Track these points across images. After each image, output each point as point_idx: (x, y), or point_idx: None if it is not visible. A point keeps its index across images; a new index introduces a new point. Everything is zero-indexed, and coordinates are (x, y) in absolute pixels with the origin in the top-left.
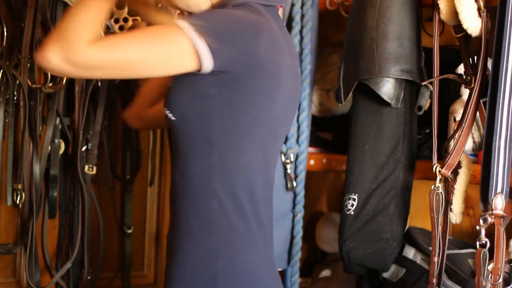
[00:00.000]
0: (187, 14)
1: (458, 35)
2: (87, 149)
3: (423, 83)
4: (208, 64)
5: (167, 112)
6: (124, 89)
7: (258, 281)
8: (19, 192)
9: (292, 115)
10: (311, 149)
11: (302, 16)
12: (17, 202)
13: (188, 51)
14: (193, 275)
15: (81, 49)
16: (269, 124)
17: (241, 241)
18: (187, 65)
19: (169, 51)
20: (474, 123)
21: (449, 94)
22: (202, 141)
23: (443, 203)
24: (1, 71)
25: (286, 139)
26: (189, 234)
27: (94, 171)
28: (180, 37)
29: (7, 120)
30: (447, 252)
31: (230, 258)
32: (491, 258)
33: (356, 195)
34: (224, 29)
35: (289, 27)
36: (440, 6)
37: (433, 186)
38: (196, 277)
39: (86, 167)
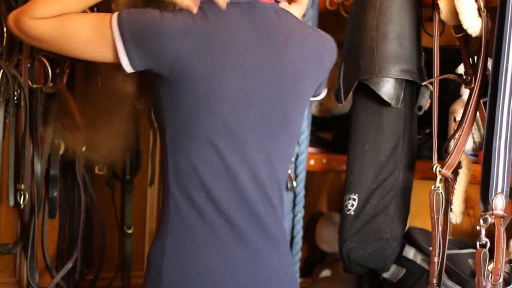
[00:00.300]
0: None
1: (458, 35)
2: (87, 149)
3: (423, 83)
4: (125, 64)
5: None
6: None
7: (211, 285)
8: (22, 193)
9: (278, 117)
10: (311, 149)
11: (302, 16)
12: (20, 202)
13: (110, 45)
14: (148, 274)
15: (27, 22)
16: (219, 127)
17: (197, 243)
18: (109, 58)
19: (94, 39)
20: (474, 123)
21: (449, 94)
22: (162, 142)
23: (443, 203)
24: (2, 71)
25: None
26: (156, 234)
27: (105, 171)
28: (107, 30)
29: (7, 120)
30: (447, 252)
31: (180, 259)
32: (491, 258)
33: (356, 195)
34: (144, 32)
35: None
36: (440, 6)
37: (433, 186)
38: (149, 276)
39: (96, 167)
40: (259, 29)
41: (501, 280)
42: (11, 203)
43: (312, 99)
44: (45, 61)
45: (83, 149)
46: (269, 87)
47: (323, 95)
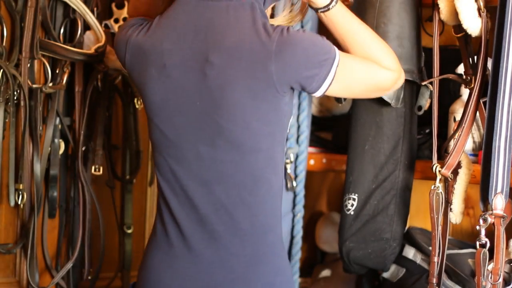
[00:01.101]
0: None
1: (458, 35)
2: (87, 149)
3: (423, 83)
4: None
5: None
6: (124, 89)
7: (153, 281)
8: (20, 192)
9: (211, 125)
10: (311, 149)
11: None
12: (19, 202)
13: None
14: None
15: None
16: (159, 135)
17: (155, 241)
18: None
19: None
20: (474, 123)
21: (449, 94)
22: None
23: (443, 203)
24: (1, 71)
25: (286, 139)
26: None
27: (101, 172)
28: None
29: (7, 120)
30: (447, 252)
31: (144, 254)
32: (491, 258)
33: (356, 195)
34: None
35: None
36: (440, 6)
37: (433, 186)
38: None
39: (93, 168)
40: (190, 31)
41: (501, 280)
42: (11, 203)
43: (314, 95)
44: (45, 61)
45: (83, 149)
46: (197, 94)
47: (320, 91)
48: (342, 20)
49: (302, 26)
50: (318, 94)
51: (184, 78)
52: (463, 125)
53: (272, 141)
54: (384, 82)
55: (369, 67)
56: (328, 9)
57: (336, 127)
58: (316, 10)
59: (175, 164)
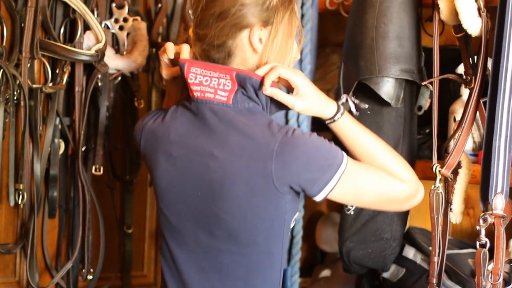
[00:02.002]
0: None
1: (458, 35)
2: (87, 149)
3: (423, 83)
4: None
5: None
6: (124, 89)
7: None
8: (20, 192)
9: (210, 214)
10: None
11: (302, 16)
12: (19, 202)
13: None
14: None
15: None
16: (164, 220)
17: (162, 271)
18: None
19: None
20: (474, 123)
21: (449, 94)
22: None
23: (443, 203)
24: (1, 71)
25: None
26: None
27: (101, 172)
28: None
29: (7, 120)
30: (447, 252)
31: None
32: (491, 258)
33: None
34: None
35: None
36: (440, 6)
37: (433, 186)
38: None
39: (93, 168)
40: (196, 129)
41: (500, 280)
42: (11, 203)
43: (314, 198)
44: (45, 61)
45: (83, 149)
46: (199, 185)
47: (321, 196)
48: (350, 131)
49: (302, 27)
50: (319, 198)
51: (188, 169)
52: (463, 125)
53: (269, 236)
54: (398, 194)
55: (381, 177)
56: (334, 121)
57: None
58: (323, 120)
59: (176, 248)
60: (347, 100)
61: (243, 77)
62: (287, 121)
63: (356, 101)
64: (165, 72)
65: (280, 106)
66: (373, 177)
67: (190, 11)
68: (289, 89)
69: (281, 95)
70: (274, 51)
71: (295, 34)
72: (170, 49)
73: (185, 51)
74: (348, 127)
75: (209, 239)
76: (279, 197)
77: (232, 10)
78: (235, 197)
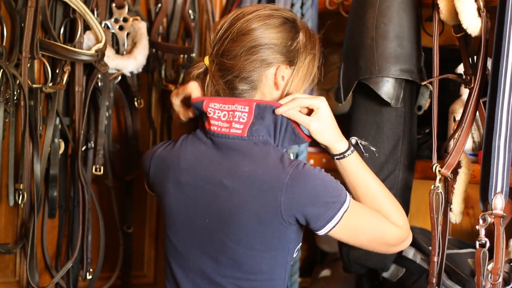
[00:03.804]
0: None
1: (458, 35)
2: (87, 149)
3: (423, 83)
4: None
5: None
6: (124, 89)
7: None
8: (20, 192)
9: (217, 242)
10: (311, 149)
11: (302, 16)
12: (19, 202)
13: None
14: None
15: None
16: (170, 246)
17: None
18: None
19: None
20: (474, 123)
21: (449, 94)
22: None
23: (443, 203)
24: (1, 71)
25: None
26: None
27: (101, 172)
28: None
29: (7, 120)
30: (447, 251)
31: None
32: (491, 257)
33: None
34: None
35: None
36: (440, 6)
37: (433, 186)
38: None
39: (94, 167)
40: (206, 159)
41: (500, 279)
42: (11, 203)
43: (317, 233)
44: (45, 61)
45: (83, 149)
46: (207, 212)
47: (323, 231)
48: (356, 170)
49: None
50: (321, 233)
51: (196, 196)
52: (463, 125)
53: (273, 264)
54: (391, 238)
55: (378, 220)
56: (344, 157)
57: None
58: (332, 156)
59: (181, 274)
60: (356, 142)
61: (264, 107)
62: None
63: (365, 143)
64: (183, 115)
65: (294, 140)
66: (372, 219)
67: (211, 37)
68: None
69: (298, 115)
70: (293, 89)
71: (311, 77)
72: (193, 88)
73: (195, 89)
74: (355, 166)
75: (214, 265)
76: (285, 227)
77: (264, 46)
78: (243, 226)
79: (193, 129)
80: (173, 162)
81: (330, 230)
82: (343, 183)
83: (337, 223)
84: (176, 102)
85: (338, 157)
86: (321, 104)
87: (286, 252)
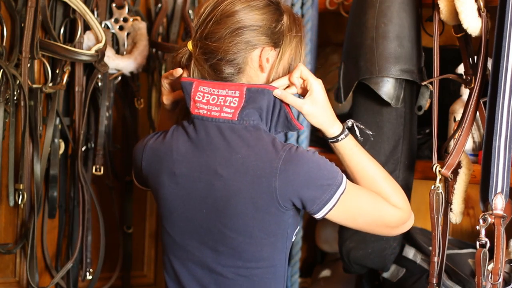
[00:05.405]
0: None
1: (458, 35)
2: (87, 149)
3: (423, 83)
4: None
5: None
6: (124, 89)
7: None
8: (20, 192)
9: (215, 231)
10: (311, 149)
11: (302, 16)
12: (19, 202)
13: None
14: None
15: None
16: (166, 236)
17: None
18: None
19: None
20: (474, 123)
21: (449, 94)
22: None
23: (443, 203)
24: (1, 71)
25: (286, 139)
26: None
27: (101, 172)
28: None
29: (7, 120)
30: (447, 252)
31: None
32: (491, 258)
33: None
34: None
35: None
36: (440, 6)
37: (433, 186)
38: None
39: (93, 168)
40: (198, 147)
41: (500, 280)
42: (11, 203)
43: (315, 216)
44: (45, 61)
45: (83, 149)
46: (203, 202)
47: (320, 215)
48: (351, 153)
49: None
50: (318, 216)
51: (191, 187)
52: (463, 125)
53: (273, 250)
54: (391, 219)
55: (376, 201)
56: (337, 141)
57: None
58: (327, 140)
59: (180, 265)
60: (352, 125)
61: (255, 90)
62: (286, 141)
63: (361, 126)
64: (167, 97)
65: (287, 126)
66: (370, 201)
67: (194, 19)
68: (303, 95)
69: (290, 97)
70: (279, 72)
71: (298, 61)
72: (183, 72)
73: (185, 72)
74: (350, 149)
75: (214, 256)
76: (282, 212)
77: (248, 27)
78: (240, 214)
79: (181, 118)
80: (166, 154)
81: (327, 213)
82: (342, 168)
83: (333, 206)
84: (165, 84)
85: (332, 140)
86: (316, 85)
87: (285, 237)
